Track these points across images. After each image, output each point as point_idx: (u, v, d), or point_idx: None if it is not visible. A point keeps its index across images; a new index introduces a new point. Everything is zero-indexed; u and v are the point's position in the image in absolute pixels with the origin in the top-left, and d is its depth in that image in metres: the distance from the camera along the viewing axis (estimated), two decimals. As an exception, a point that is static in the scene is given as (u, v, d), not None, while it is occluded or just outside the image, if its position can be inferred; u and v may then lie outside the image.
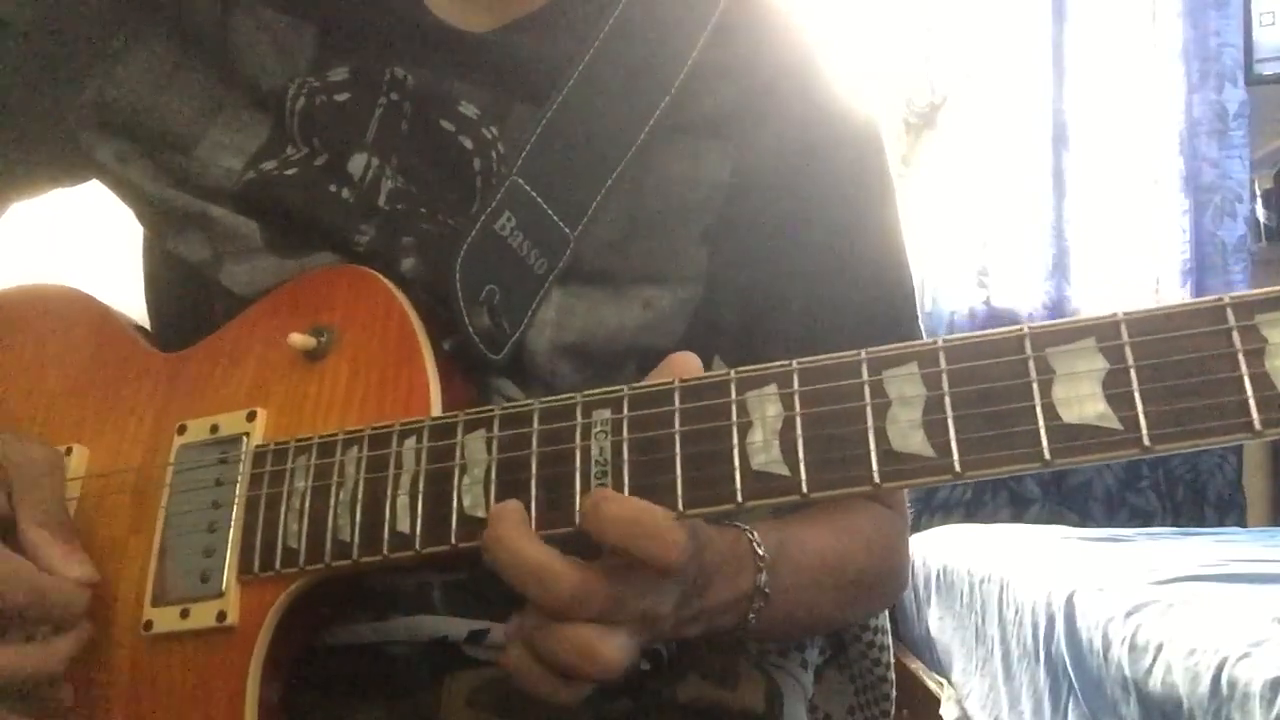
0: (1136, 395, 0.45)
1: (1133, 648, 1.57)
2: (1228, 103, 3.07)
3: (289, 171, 0.75)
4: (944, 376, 0.48)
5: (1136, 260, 3.06)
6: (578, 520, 0.55)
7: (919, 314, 0.85)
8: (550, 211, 0.73)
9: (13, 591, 0.60)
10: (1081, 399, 0.46)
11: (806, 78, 0.82)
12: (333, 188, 0.74)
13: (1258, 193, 3.15)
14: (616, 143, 0.75)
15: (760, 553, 0.65)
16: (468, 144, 0.75)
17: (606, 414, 0.55)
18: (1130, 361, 0.45)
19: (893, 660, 0.91)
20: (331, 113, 0.76)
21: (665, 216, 0.76)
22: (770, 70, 0.80)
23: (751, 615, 0.65)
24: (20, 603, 0.60)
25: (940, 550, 2.61)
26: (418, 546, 0.58)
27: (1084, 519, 2.99)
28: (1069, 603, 1.82)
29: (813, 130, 0.80)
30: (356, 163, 0.75)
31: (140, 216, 0.80)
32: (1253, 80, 3.08)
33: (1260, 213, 3.16)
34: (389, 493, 0.60)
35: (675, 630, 0.61)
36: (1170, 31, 3.08)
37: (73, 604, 0.62)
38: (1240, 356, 0.44)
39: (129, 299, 0.84)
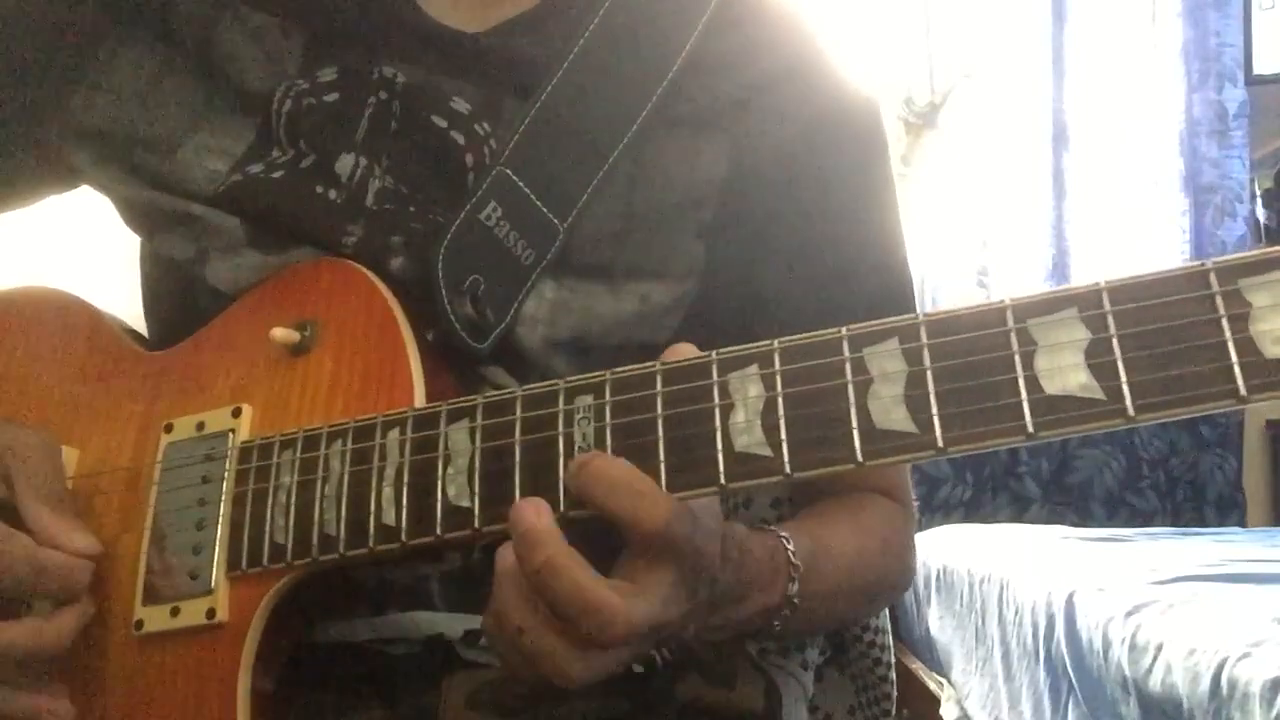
0: (1119, 364, 0.45)
1: (1133, 648, 1.56)
2: (1228, 103, 3.07)
3: (275, 174, 0.75)
4: (925, 351, 0.48)
5: (1137, 260, 3.06)
6: (562, 491, 0.54)
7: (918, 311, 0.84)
8: (538, 202, 0.72)
9: (12, 565, 0.60)
10: (1064, 370, 0.45)
11: (805, 71, 0.81)
12: (319, 189, 0.74)
13: (1258, 193, 3.15)
14: (608, 134, 0.74)
15: (795, 562, 0.66)
16: (460, 139, 0.75)
17: (589, 399, 0.55)
18: (1113, 330, 0.45)
19: (893, 660, 0.91)
20: (319, 114, 0.75)
21: (662, 211, 0.75)
22: (769, 64, 0.80)
23: (776, 623, 0.66)
24: (20, 575, 0.60)
25: (940, 550, 2.61)
26: (404, 539, 0.58)
27: (1084, 519, 2.98)
28: (1069, 603, 1.82)
29: (812, 124, 0.80)
30: (344, 163, 0.74)
31: (126, 219, 0.79)
32: (1253, 80, 3.08)
33: (1260, 213, 3.16)
34: (374, 485, 0.59)
35: (697, 633, 0.61)
36: (1170, 31, 3.08)
37: (74, 576, 0.62)
38: (1224, 322, 0.43)
39: (125, 301, 0.84)
